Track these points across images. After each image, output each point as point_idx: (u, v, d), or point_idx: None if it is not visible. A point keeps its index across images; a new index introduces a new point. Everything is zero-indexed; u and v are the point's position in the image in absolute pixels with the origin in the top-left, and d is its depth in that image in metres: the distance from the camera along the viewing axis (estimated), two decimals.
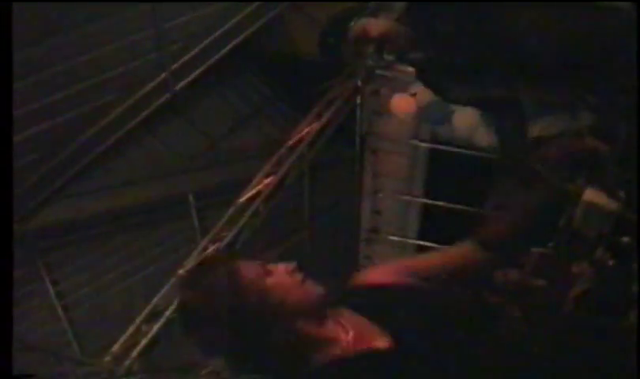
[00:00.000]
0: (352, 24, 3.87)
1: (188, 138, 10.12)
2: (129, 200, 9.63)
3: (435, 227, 10.61)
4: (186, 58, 9.14)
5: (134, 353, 8.41)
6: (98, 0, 7.85)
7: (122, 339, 8.50)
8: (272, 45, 10.17)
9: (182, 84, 9.21)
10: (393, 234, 11.72)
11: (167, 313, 8.70)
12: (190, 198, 10.06)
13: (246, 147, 10.30)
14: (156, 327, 8.60)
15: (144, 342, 8.50)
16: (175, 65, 9.11)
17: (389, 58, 3.95)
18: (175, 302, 8.69)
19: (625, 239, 3.47)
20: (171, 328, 8.66)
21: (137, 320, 8.63)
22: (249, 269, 2.53)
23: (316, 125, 10.15)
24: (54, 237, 9.31)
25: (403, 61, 4.15)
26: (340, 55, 3.98)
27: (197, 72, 9.26)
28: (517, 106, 4.21)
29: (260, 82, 10.70)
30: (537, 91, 4.12)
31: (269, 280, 2.51)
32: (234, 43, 9.32)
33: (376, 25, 3.85)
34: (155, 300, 8.75)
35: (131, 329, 8.55)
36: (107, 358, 8.46)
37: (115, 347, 8.46)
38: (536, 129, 5.79)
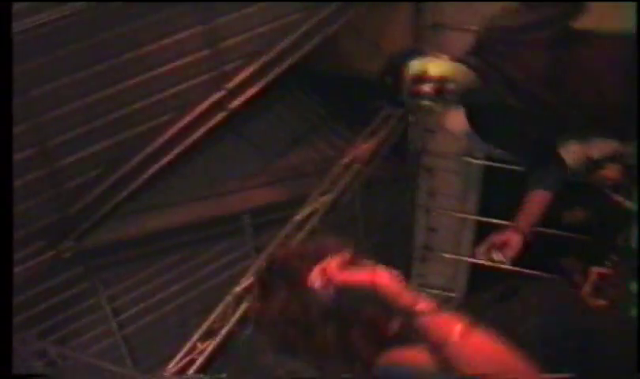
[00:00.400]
0: (411, 63, 3.71)
1: (244, 157, 10.10)
2: (184, 218, 9.63)
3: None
4: (242, 76, 9.01)
5: (191, 371, 8.33)
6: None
7: (178, 357, 8.46)
8: (327, 64, 10.02)
9: (237, 102, 9.03)
10: (447, 252, 11.56)
11: (223, 331, 8.57)
12: (246, 216, 9.87)
13: (302, 165, 10.14)
14: (212, 345, 8.48)
15: (200, 360, 8.37)
16: (231, 84, 8.95)
17: (447, 99, 3.78)
18: (231, 320, 8.55)
19: None
20: (226, 346, 8.52)
21: (193, 338, 8.57)
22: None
23: (371, 143, 10.03)
24: (111, 254, 9.31)
25: (460, 102, 3.96)
26: (398, 95, 3.84)
27: (253, 91, 9.12)
28: (558, 159, 4.05)
29: (314, 101, 10.58)
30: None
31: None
32: (289, 62, 9.15)
33: (435, 66, 3.69)
34: (211, 318, 8.68)
35: (187, 347, 8.49)
36: (165, 375, 8.34)
37: (171, 365, 8.41)
38: (592, 152, 5.59)
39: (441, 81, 3.59)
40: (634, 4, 3.71)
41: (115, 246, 9.25)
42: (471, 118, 4.02)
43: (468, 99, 3.84)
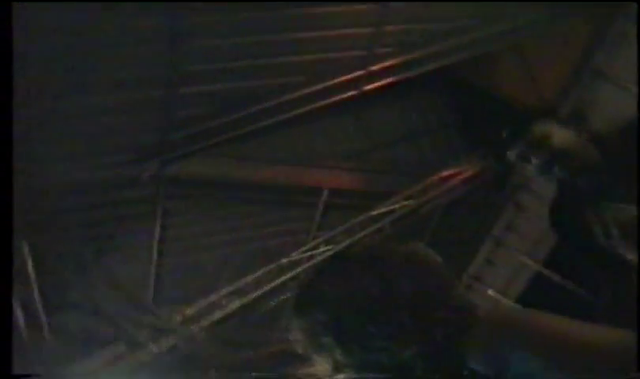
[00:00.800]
0: (538, 125, 3.37)
1: (351, 138, 9.84)
2: (268, 176, 9.37)
3: (537, 298, 10.26)
4: (387, 63, 8.75)
5: (205, 321, 8.30)
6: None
7: (199, 304, 8.42)
8: (476, 76, 9.74)
9: (372, 86, 8.75)
10: (495, 288, 11.48)
11: (253, 295, 8.58)
12: (324, 194, 9.67)
13: (400, 163, 9.82)
14: (236, 304, 8.46)
15: (218, 314, 8.36)
16: (375, 67, 8.69)
17: (556, 174, 3.43)
18: (265, 287, 8.65)
19: None
20: (251, 310, 8.59)
21: (222, 292, 8.53)
22: None
23: (475, 166, 9.83)
24: (185, 188, 9.00)
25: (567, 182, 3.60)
26: (507, 151, 3.52)
27: (391, 79, 8.84)
28: None
29: (444, 107, 10.25)
30: None
31: None
32: (440, 63, 8.91)
33: (562, 136, 3.36)
34: (246, 278, 8.65)
35: (212, 298, 8.44)
36: (178, 317, 8.28)
37: (190, 310, 8.37)
38: None
39: (559, 155, 3.27)
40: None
41: (192, 182, 8.94)
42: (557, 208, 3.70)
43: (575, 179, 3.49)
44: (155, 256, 9.27)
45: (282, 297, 8.80)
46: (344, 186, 9.79)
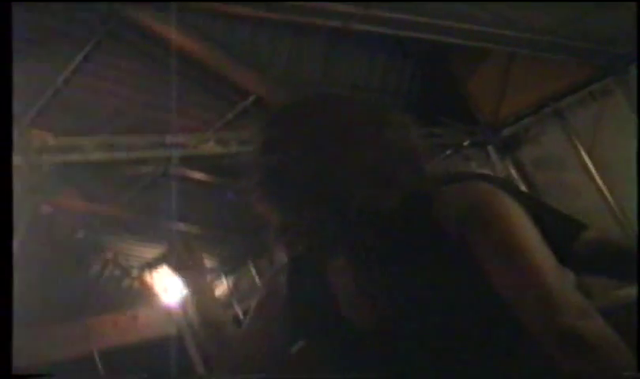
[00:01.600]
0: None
1: (312, 62, 9.73)
2: (209, 58, 8.94)
3: None
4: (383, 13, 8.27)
5: (58, 156, 7.96)
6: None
7: (62, 141, 8.04)
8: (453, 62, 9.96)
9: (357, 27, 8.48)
10: None
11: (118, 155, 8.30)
12: (251, 99, 9.75)
13: None
14: (96, 156, 8.15)
15: (76, 157, 7.96)
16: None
17: None
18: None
19: None
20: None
21: (89, 139, 8.19)
22: None
23: None
24: (128, 31, 8.37)
25: None
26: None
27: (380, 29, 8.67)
28: None
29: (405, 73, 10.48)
30: None
31: None
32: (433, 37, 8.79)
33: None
34: (122, 139, 8.36)
35: (76, 140, 8.03)
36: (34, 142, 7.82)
37: (51, 141, 7.98)
38: None
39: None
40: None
41: (137, 30, 8.31)
42: None
43: None
44: (60, 81, 8.65)
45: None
46: (270, 100, 9.47)
